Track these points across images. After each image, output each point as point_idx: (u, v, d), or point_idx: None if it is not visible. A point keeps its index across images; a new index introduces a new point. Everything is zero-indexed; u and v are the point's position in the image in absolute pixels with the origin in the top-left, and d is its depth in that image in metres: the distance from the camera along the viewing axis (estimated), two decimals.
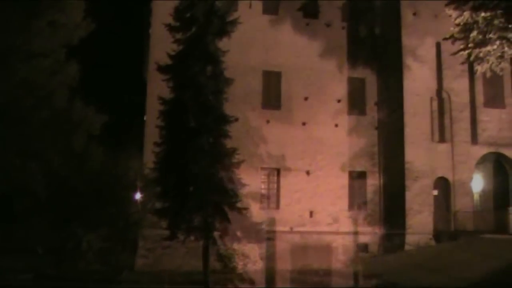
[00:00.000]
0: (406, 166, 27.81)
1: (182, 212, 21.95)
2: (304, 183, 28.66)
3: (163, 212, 22.58)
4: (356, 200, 29.66)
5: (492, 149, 28.71)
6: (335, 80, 29.61)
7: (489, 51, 24.89)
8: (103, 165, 28.02)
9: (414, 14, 28.76)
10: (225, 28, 24.08)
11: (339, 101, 29.47)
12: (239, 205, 22.75)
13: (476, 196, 29.51)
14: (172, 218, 22.21)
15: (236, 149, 22.72)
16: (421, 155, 27.85)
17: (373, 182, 29.68)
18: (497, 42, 24.57)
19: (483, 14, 24.67)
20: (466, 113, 28.48)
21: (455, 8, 25.58)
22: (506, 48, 24.76)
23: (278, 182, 28.75)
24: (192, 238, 22.19)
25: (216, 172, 22.34)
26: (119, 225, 26.57)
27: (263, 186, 28.70)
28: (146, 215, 25.29)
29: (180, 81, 22.71)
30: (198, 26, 23.35)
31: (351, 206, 29.46)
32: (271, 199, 28.78)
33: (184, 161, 21.79)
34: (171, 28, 23.63)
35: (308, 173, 28.70)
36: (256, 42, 29.07)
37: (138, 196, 28.13)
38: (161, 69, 23.32)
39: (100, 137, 28.98)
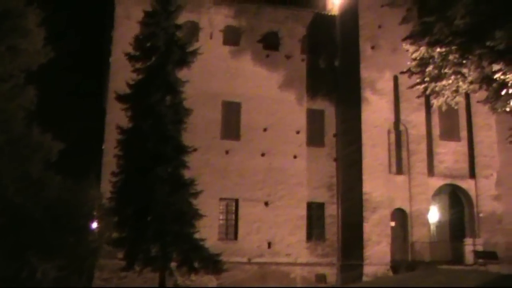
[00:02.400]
0: (364, 197, 28.04)
1: (140, 242, 21.70)
2: (263, 213, 28.69)
3: (120, 242, 22.30)
4: (314, 231, 29.75)
5: (448, 181, 29.17)
6: (294, 112, 29.84)
7: (444, 86, 25.40)
8: (60, 193, 27.59)
9: (373, 47, 29.27)
10: (185, 58, 24.14)
11: (298, 132, 29.69)
12: (196, 235, 22.61)
13: (433, 227, 29.86)
14: (129, 248, 21.93)
15: (195, 179, 22.63)
16: (379, 187, 28.13)
17: (331, 213, 29.84)
18: (452, 77, 25.11)
19: (438, 49, 25.21)
20: (423, 146, 28.94)
21: (412, 43, 26.12)
22: (460, 83, 25.31)
23: (236, 212, 28.70)
24: (149, 268, 21.93)
25: (174, 202, 22.20)
26: (76, 254, 26.12)
27: (221, 217, 28.63)
28: (103, 245, 24.93)
29: (139, 110, 22.61)
30: (158, 55, 23.36)
31: (309, 237, 29.53)
32: (230, 229, 28.69)
33: (142, 191, 21.61)
34: (131, 57, 23.58)
35: (266, 203, 28.76)
36: (217, 73, 29.21)
37: (95, 225, 27.75)
38: (120, 98, 23.20)
39: (57, 164, 28.58)
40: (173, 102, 23.14)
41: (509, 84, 25.31)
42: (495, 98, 25.74)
